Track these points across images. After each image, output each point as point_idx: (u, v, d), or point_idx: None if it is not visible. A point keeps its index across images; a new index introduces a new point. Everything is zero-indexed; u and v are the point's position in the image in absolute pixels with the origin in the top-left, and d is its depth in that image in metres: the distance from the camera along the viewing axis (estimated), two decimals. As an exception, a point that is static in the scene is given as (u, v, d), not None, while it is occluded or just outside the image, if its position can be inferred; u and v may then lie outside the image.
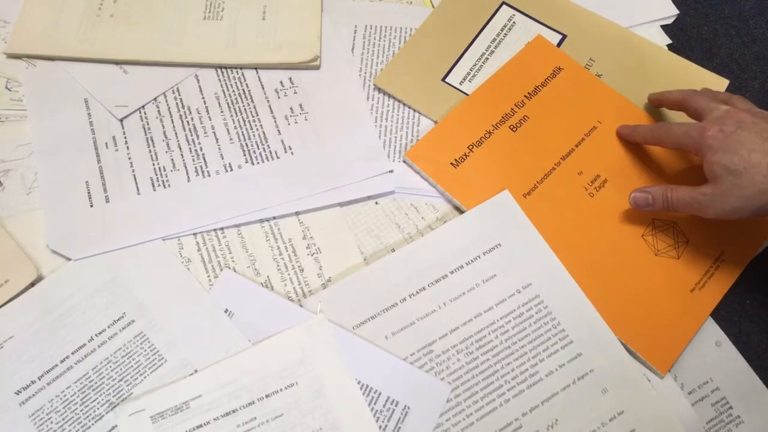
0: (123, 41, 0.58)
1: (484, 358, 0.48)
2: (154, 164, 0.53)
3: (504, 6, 0.63)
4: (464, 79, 0.59)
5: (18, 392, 0.44)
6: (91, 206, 0.51)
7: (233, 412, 0.44)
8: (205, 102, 0.57)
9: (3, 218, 0.50)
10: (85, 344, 0.46)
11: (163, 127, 0.55)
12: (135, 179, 0.53)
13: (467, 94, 0.58)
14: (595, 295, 0.50)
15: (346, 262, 0.51)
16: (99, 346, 0.46)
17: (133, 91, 0.57)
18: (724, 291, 0.51)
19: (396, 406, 0.45)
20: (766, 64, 0.62)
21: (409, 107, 0.58)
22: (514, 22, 0.62)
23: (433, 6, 0.63)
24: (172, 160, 0.54)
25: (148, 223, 0.51)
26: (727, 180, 0.45)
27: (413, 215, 0.54)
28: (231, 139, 0.55)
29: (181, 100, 0.57)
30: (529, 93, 0.58)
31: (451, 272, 0.51)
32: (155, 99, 0.57)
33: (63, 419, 0.44)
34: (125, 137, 0.55)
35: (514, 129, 0.57)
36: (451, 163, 0.55)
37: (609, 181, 0.55)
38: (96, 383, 0.45)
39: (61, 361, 0.45)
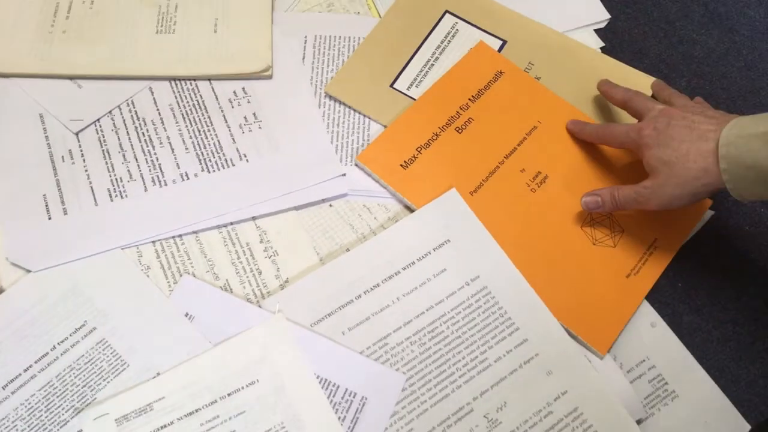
0: (76, 56, 0.60)
1: (436, 348, 0.51)
2: (110, 176, 0.55)
3: (447, 14, 0.66)
4: (411, 84, 0.62)
5: (-18, 403, 0.45)
6: (50, 219, 0.52)
7: (196, 411, 0.46)
8: (159, 113, 0.59)
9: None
10: (47, 353, 0.47)
11: (119, 139, 0.57)
12: (92, 191, 0.54)
13: (415, 99, 0.61)
14: (538, 284, 0.53)
15: (302, 263, 0.54)
16: (62, 354, 0.47)
17: (88, 105, 0.58)
18: (658, 275, 0.55)
19: (354, 397, 0.48)
20: (692, 63, 0.67)
21: (360, 113, 0.61)
22: (457, 30, 0.65)
23: (380, 16, 0.66)
24: (128, 171, 0.55)
25: (107, 233, 0.52)
26: (663, 171, 0.49)
27: (366, 216, 0.56)
28: (186, 148, 0.57)
29: (135, 112, 0.58)
30: (473, 96, 0.61)
31: (404, 268, 0.53)
32: (110, 112, 0.58)
33: (29, 426, 0.45)
34: (81, 150, 0.56)
35: (460, 131, 0.60)
36: (401, 165, 0.58)
37: (549, 177, 0.58)
38: (60, 390, 0.46)
39: (25, 370, 0.46)
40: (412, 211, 0.57)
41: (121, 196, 0.54)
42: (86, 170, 0.55)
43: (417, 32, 0.65)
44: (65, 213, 0.53)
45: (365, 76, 0.62)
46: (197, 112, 0.59)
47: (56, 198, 0.53)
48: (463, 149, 0.59)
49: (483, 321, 0.52)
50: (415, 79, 0.62)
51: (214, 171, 0.56)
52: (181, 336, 0.49)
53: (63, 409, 0.46)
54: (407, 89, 0.62)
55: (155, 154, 0.56)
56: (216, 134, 0.58)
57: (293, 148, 0.58)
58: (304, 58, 0.63)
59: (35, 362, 0.47)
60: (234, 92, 0.60)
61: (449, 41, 0.65)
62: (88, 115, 0.58)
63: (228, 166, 0.56)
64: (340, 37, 0.64)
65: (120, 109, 0.58)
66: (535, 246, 0.55)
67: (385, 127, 0.60)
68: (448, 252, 0.54)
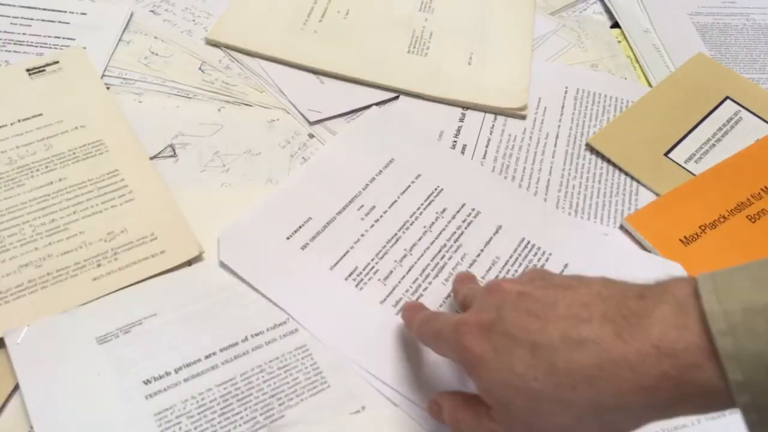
0: (324, 54, 0.56)
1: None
2: (373, 261, 0.43)
3: (728, 100, 0.58)
4: (690, 158, 0.53)
5: (147, 381, 0.35)
6: (287, 239, 0.43)
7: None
8: (401, 125, 0.52)
9: (172, 189, 0.44)
10: (237, 343, 0.37)
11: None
12: (343, 256, 0.43)
13: (694, 174, 0.52)
14: None
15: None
16: (253, 350, 0.37)
17: (328, 100, 0.53)
18: None
19: None
20: None
21: (628, 174, 0.52)
22: (740, 118, 0.57)
23: (650, 84, 0.59)
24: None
25: (310, 304, 0.40)
26: (516, 406, 0.26)
27: (632, 289, 0.45)
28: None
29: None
30: (766, 187, 0.51)
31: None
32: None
33: (195, 428, 0.34)
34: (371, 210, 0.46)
35: (753, 220, 0.49)
36: (681, 240, 0.47)
37: None
38: (243, 393, 0.35)
39: (207, 357, 0.36)
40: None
41: (359, 286, 0.42)
42: (366, 231, 0.45)
43: (694, 109, 0.57)
44: (303, 248, 0.43)
45: (636, 139, 0.54)
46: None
47: (312, 231, 0.44)
48: (758, 242, 0.47)
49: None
50: (694, 155, 0.53)
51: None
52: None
53: (242, 418, 0.34)
54: (685, 162, 0.52)
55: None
56: (463, 157, 0.50)
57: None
58: (563, 107, 0.56)
59: (220, 350, 0.37)
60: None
61: (732, 127, 0.56)
62: (326, 108, 0.52)
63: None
64: (605, 95, 0.57)
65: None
66: None
67: (657, 195, 0.50)
68: None
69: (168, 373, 0.35)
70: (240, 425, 0.34)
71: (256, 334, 0.38)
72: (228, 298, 0.39)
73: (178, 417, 0.34)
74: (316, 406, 0.35)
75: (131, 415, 0.34)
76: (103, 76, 0.50)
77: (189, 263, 0.40)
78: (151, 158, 0.46)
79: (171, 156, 0.46)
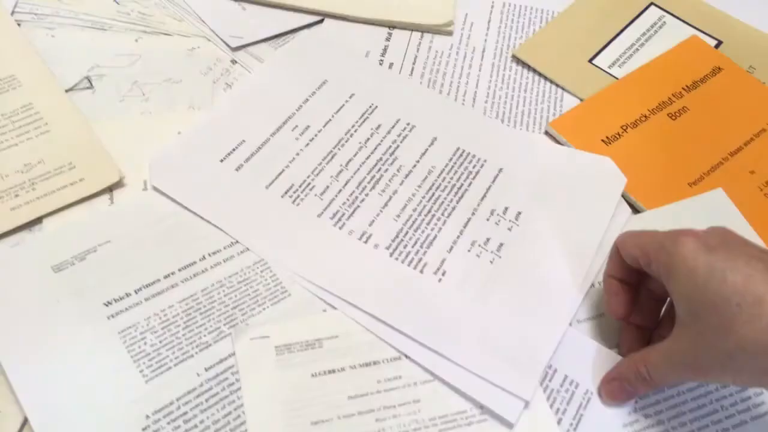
0: (243, -20, 0.60)
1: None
2: (309, 177, 0.49)
3: (652, 6, 0.67)
4: (614, 63, 0.62)
5: (107, 303, 0.40)
6: (221, 161, 0.49)
7: (374, 364, 0.40)
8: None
9: (90, 120, 0.49)
10: (195, 262, 0.43)
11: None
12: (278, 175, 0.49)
13: (617, 78, 0.60)
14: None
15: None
16: (211, 267, 0.43)
17: (250, 26, 0.58)
18: None
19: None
20: None
21: (552, 82, 0.60)
22: (664, 22, 0.66)
23: (576, -6, 0.67)
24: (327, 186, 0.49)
25: (248, 223, 0.46)
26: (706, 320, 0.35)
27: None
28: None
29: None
30: (687, 86, 0.60)
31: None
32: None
33: (160, 342, 0.39)
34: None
35: (674, 117, 0.58)
36: (603, 140, 0.56)
37: (785, 184, 0.55)
38: (205, 306, 0.41)
39: (165, 277, 0.42)
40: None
41: (295, 202, 0.48)
42: (298, 153, 0.51)
43: (618, 16, 0.66)
44: (238, 169, 0.49)
45: (561, 47, 0.62)
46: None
47: (247, 152, 0.50)
48: (678, 138, 0.57)
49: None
50: (618, 59, 0.62)
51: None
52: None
53: (206, 329, 0.40)
54: (608, 68, 0.61)
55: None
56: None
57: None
58: (489, 21, 0.63)
59: (179, 270, 0.42)
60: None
61: (655, 32, 0.65)
62: (249, 34, 0.57)
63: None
64: (531, 8, 0.65)
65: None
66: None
67: (582, 100, 0.59)
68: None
69: (128, 294, 0.41)
70: (204, 335, 0.40)
71: (214, 253, 0.44)
72: (182, 222, 0.45)
73: (142, 333, 0.40)
74: (279, 313, 0.42)
75: (95, 335, 0.39)
76: (13, 12, 0.53)
77: (110, 189, 0.46)
78: (67, 91, 0.50)
79: (88, 88, 0.51)
